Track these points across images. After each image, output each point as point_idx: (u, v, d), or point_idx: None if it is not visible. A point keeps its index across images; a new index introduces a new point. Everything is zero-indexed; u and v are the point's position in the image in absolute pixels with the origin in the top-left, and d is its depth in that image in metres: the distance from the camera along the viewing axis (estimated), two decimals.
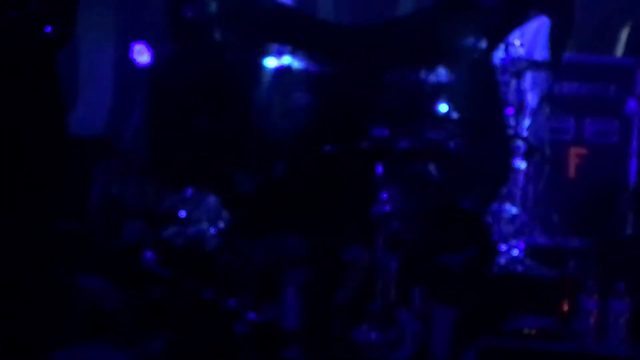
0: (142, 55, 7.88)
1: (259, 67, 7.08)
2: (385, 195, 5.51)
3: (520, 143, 7.09)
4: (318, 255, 5.71)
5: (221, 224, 6.40)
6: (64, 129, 3.15)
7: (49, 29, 2.88)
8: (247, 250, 5.98)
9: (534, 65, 7.22)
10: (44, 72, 3.04)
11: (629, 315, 5.47)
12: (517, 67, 7.13)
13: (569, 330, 5.52)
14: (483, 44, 6.81)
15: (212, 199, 6.58)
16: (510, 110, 7.08)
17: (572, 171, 7.51)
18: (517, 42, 7.13)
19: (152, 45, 7.81)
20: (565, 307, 5.63)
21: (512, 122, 7.09)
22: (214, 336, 5.42)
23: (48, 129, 3.10)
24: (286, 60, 7.05)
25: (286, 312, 5.45)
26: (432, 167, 6.50)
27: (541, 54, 7.16)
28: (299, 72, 7.00)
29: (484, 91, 6.86)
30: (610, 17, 8.10)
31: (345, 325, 5.46)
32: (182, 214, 6.48)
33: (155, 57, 7.74)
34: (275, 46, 7.23)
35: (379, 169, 5.64)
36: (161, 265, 5.79)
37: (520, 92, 7.15)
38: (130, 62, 8.08)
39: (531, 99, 7.24)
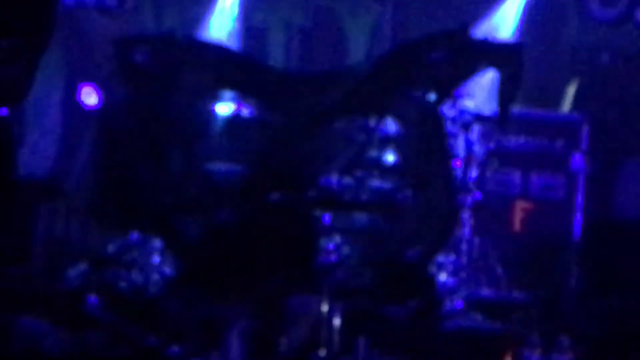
0: (90, 97, 7.87)
1: (208, 113, 7.08)
2: (331, 245, 5.52)
3: (466, 196, 7.13)
4: (263, 304, 5.69)
5: (166, 270, 6.38)
6: (11, 172, 3.13)
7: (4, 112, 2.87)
8: (191, 297, 5.96)
9: (482, 119, 7.25)
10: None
11: None
12: (464, 120, 7.17)
13: None
14: (432, 96, 6.83)
15: (157, 244, 6.56)
16: (457, 163, 7.11)
17: (517, 225, 7.54)
18: (465, 96, 7.18)
19: (100, 87, 7.80)
20: None
21: (459, 174, 7.12)
22: None
23: None
24: (235, 107, 7.06)
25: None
26: (378, 218, 6.50)
27: (489, 107, 7.19)
28: (247, 119, 7.01)
29: (431, 143, 6.88)
30: (559, 73, 8.17)
31: None
32: (127, 257, 6.44)
33: (104, 99, 7.73)
34: (224, 92, 7.23)
35: (326, 218, 5.65)
36: (104, 310, 5.75)
37: (467, 145, 7.19)
38: (77, 104, 8.07)
39: (478, 152, 7.26)
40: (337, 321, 5.66)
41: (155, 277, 6.37)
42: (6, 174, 3.01)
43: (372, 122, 6.80)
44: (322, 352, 5.57)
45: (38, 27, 2.90)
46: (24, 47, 2.82)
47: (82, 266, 6.51)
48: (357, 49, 8.58)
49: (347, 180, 6.39)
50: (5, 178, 3.01)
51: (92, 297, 5.66)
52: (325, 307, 5.64)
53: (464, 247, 7.16)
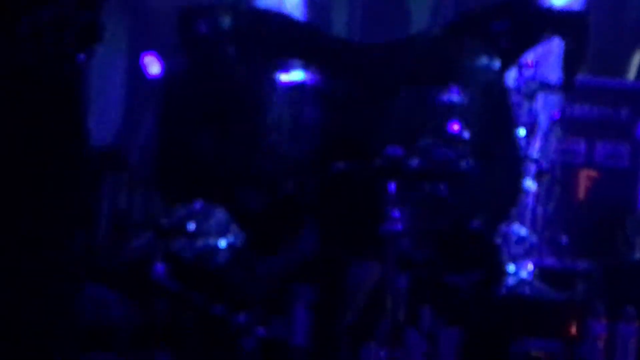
0: (152, 66, 7.90)
1: (271, 82, 7.09)
2: (396, 214, 5.53)
3: (531, 164, 7.11)
4: (328, 273, 5.71)
5: (231, 238, 6.41)
6: (82, 143, 3.15)
7: (82, 57, 2.89)
8: (256, 265, 5.98)
9: (547, 87, 7.23)
10: (67, 92, 3.04)
11: (636, 340, 5.48)
12: (529, 89, 7.16)
13: (576, 354, 5.52)
14: (496, 65, 6.82)
15: (221, 213, 6.58)
16: (521, 132, 7.10)
17: (582, 194, 7.53)
18: (530, 64, 7.16)
19: (163, 57, 7.83)
20: (573, 331, 5.64)
21: (523, 143, 7.11)
22: (222, 352, 5.41)
23: (69, 138, 3.09)
24: (299, 76, 7.07)
25: (295, 328, 5.46)
26: (442, 187, 6.49)
27: (554, 76, 7.16)
28: (311, 89, 7.01)
29: (495, 112, 6.88)
30: (624, 41, 8.13)
31: (354, 344, 5.47)
32: (191, 226, 6.47)
33: (167, 69, 7.76)
34: (287, 62, 7.24)
35: (391, 187, 5.65)
36: (170, 278, 5.79)
37: (532, 114, 7.17)
38: (142, 74, 8.10)
39: (543, 120, 7.24)
40: (401, 290, 5.67)
41: (220, 246, 6.40)
42: (81, 128, 3.04)
43: (436, 91, 6.80)
44: (387, 321, 5.58)
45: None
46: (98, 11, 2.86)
47: (147, 236, 6.55)
48: (420, 19, 8.56)
49: (412, 149, 6.39)
50: (80, 132, 3.04)
51: (159, 266, 5.68)
52: (389, 276, 5.65)
53: (528, 216, 7.15)
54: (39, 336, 2.99)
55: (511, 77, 7.02)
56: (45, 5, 2.67)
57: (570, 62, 6.85)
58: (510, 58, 6.91)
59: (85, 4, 2.77)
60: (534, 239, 7.12)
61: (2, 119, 2.74)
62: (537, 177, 7.15)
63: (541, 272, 6.85)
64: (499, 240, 6.78)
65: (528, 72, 7.20)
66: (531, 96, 7.16)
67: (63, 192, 3.01)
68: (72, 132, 2.99)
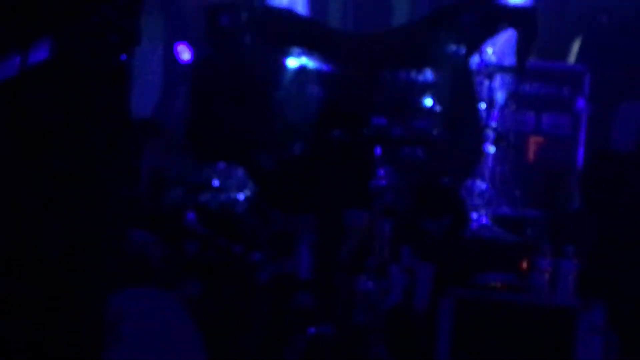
0: (184, 53, 7.91)
1: (280, 66, 7.11)
2: (381, 173, 5.54)
3: (490, 132, 7.16)
4: (326, 219, 5.72)
5: (247, 192, 6.44)
6: (128, 114, 3.14)
7: (133, 48, 2.87)
8: (268, 214, 6.00)
9: (503, 69, 7.28)
10: (116, 77, 3.01)
11: (575, 273, 5.52)
12: (489, 70, 7.22)
13: (526, 285, 5.56)
14: (462, 51, 6.85)
15: (240, 172, 6.60)
16: (482, 105, 7.15)
17: (531, 156, 7.60)
18: (489, 50, 7.20)
19: (192, 45, 7.85)
20: (524, 266, 5.68)
21: (484, 115, 7.17)
22: (240, 284, 5.43)
23: (116, 115, 3.07)
24: (302, 61, 7.08)
25: (300, 265, 5.48)
26: (419, 150, 6.54)
27: (509, 60, 7.20)
28: (312, 71, 7.04)
29: (462, 89, 6.92)
30: (565, 31, 8.14)
31: (347, 277, 5.49)
32: (216, 183, 6.50)
33: (196, 55, 7.78)
34: (293, 49, 7.25)
35: (378, 151, 5.66)
36: (198, 224, 5.81)
37: (491, 91, 7.22)
38: (175, 59, 8.12)
39: (500, 96, 7.30)
40: (385, 234, 5.68)
41: (239, 198, 6.42)
42: (126, 107, 3.03)
43: (413, 73, 6.83)
44: (374, 258, 5.59)
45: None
46: (135, 3, 2.83)
47: (180, 190, 6.57)
48: (401, 15, 8.56)
49: (394, 120, 6.42)
50: (125, 111, 3.03)
51: (190, 215, 5.69)
52: (376, 223, 5.67)
53: (487, 173, 7.19)
54: (94, 273, 2.99)
55: (475, 60, 7.04)
56: (93, 13, 2.67)
57: (522, 48, 6.88)
58: (474, 45, 6.94)
59: (126, 13, 2.76)
60: (492, 192, 7.16)
61: (68, 99, 2.75)
62: (495, 142, 7.20)
63: (498, 219, 6.89)
64: (464, 193, 6.83)
65: (488, 57, 7.23)
66: (490, 76, 7.20)
67: (113, 155, 3.02)
68: (120, 107, 2.99)
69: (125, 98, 3.03)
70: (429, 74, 6.80)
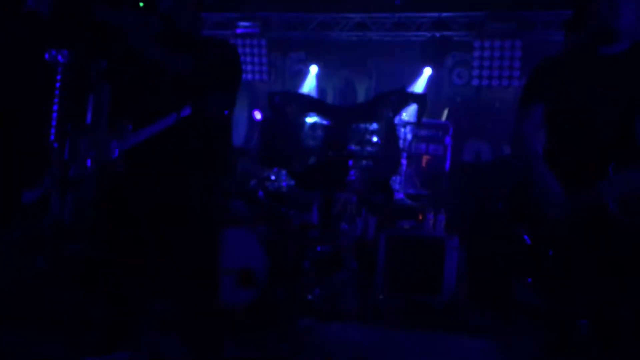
0: (257, 114, 7.86)
1: (304, 121, 7.08)
2: (352, 172, 5.55)
3: (404, 153, 7.12)
4: (325, 195, 5.67)
5: (289, 182, 6.39)
6: (231, 143, 3.08)
7: (231, 109, 2.83)
8: (301, 193, 5.95)
9: (410, 123, 7.24)
10: (225, 124, 2.96)
11: (444, 221, 5.49)
12: (404, 123, 7.17)
13: (421, 227, 5.53)
14: (391, 114, 6.81)
15: (284, 172, 6.57)
16: (400, 139, 7.11)
17: (424, 164, 7.56)
18: (404, 113, 7.16)
19: (262, 111, 7.79)
20: (420, 218, 5.63)
21: (401, 144, 7.10)
22: (285, 225, 5.34)
23: (226, 144, 3.03)
24: (314, 119, 7.05)
25: (313, 216, 5.45)
26: (370, 162, 6.53)
27: (413, 118, 7.17)
28: (319, 124, 7.01)
29: (390, 133, 6.87)
30: (440, 105, 8.08)
31: (336, 222, 5.46)
32: (272, 177, 6.46)
33: (263, 116, 7.73)
34: (309, 113, 7.21)
35: (350, 162, 5.66)
36: (265, 198, 5.76)
37: (404, 133, 7.19)
38: (252, 117, 8.07)
39: (409, 136, 7.26)
40: (353, 202, 5.65)
41: (284, 184, 6.38)
42: (229, 143, 2.98)
43: (367, 124, 6.80)
44: (349, 213, 5.57)
45: (237, 88, 2.85)
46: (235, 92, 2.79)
47: (254, 180, 6.53)
48: (361, 96, 8.52)
49: (357, 147, 6.40)
50: (229, 145, 2.98)
51: (260, 192, 5.66)
52: (349, 197, 5.64)
53: (402, 173, 7.17)
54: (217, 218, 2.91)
55: (397, 119, 7.01)
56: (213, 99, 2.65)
57: (419, 113, 6.85)
58: (396, 112, 6.90)
59: (232, 101, 2.75)
60: (405, 182, 7.14)
61: (202, 135, 2.70)
62: (407, 158, 7.17)
63: (407, 195, 6.87)
64: (391, 183, 6.81)
65: (403, 117, 7.20)
66: (404, 126, 7.16)
67: (225, 164, 2.98)
68: (228, 140, 2.96)
69: (230, 135, 3.01)
70: (375, 125, 6.77)
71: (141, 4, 2.61)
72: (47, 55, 6.99)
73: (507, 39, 7.31)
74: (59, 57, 7.06)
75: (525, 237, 2.43)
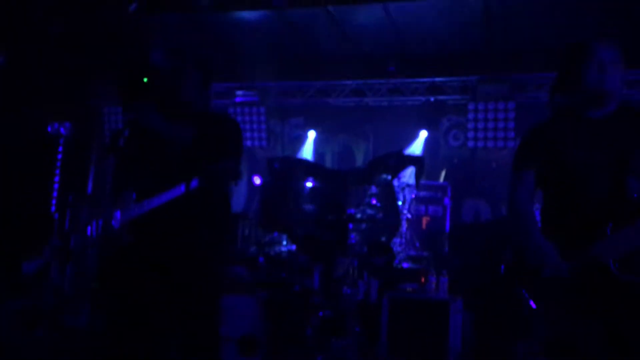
0: (257, 180, 7.92)
1: (303, 185, 7.12)
2: (352, 236, 5.54)
3: (403, 215, 7.12)
4: (327, 259, 5.64)
5: (290, 247, 6.37)
6: (229, 209, 3.12)
7: (237, 180, 2.88)
8: (301, 256, 5.92)
9: (409, 185, 7.26)
10: (224, 191, 3.00)
11: (447, 283, 5.42)
12: (402, 186, 7.20)
13: (424, 289, 5.47)
14: (389, 177, 6.85)
15: (285, 237, 6.56)
16: (399, 203, 7.12)
17: (424, 226, 7.53)
18: (402, 176, 7.21)
19: (261, 176, 7.86)
20: (422, 280, 5.57)
21: (400, 206, 7.12)
22: (286, 291, 5.29)
23: (224, 209, 3.05)
24: (312, 183, 7.10)
25: (314, 281, 5.38)
26: (369, 225, 6.50)
27: (411, 181, 7.20)
28: (318, 187, 7.06)
29: (389, 196, 6.89)
30: (437, 166, 8.15)
31: (338, 286, 5.40)
32: (272, 242, 6.45)
33: (262, 181, 7.78)
34: (308, 177, 7.27)
35: (350, 225, 5.66)
36: (265, 263, 5.74)
37: (403, 195, 7.20)
38: (252, 183, 8.13)
39: (407, 198, 7.28)
40: (354, 266, 5.61)
41: (284, 249, 6.36)
42: (228, 210, 3.01)
43: (366, 187, 6.84)
44: (350, 277, 5.53)
45: (239, 159, 2.91)
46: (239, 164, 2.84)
47: (254, 247, 6.51)
48: (359, 159, 8.60)
49: (357, 210, 6.40)
50: (229, 212, 3.01)
51: (260, 258, 5.64)
52: (351, 260, 5.61)
53: (403, 234, 7.15)
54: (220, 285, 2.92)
55: (395, 182, 7.05)
56: (224, 166, 2.71)
57: (417, 175, 6.88)
58: (394, 174, 6.94)
59: (237, 172, 2.81)
60: (405, 244, 7.11)
61: (208, 201, 2.76)
62: (406, 220, 7.15)
63: (408, 257, 6.83)
64: (392, 245, 6.78)
65: (401, 179, 7.25)
66: (403, 189, 7.19)
67: (226, 228, 3.02)
68: (226, 206, 2.99)
69: (229, 202, 3.04)
70: (373, 188, 6.81)
71: (145, 80, 2.70)
72: (49, 128, 7.14)
73: (501, 100, 7.48)
74: (61, 130, 7.22)
75: (530, 301, 2.43)
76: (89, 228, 2.72)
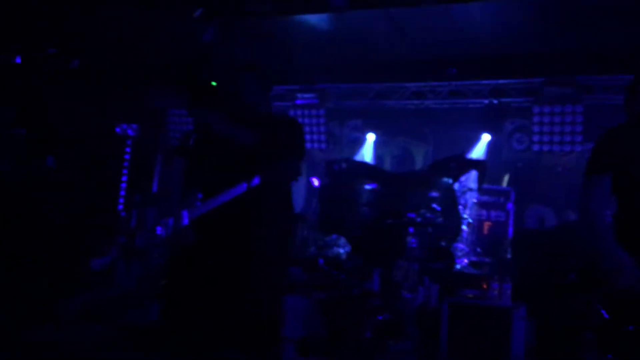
0: (315, 182, 7.97)
1: (362, 188, 7.12)
2: (412, 240, 5.50)
3: (464, 219, 7.01)
4: (386, 263, 5.61)
5: (347, 249, 6.38)
6: (292, 210, 3.15)
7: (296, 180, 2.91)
8: (359, 260, 5.92)
9: (470, 189, 7.15)
10: (287, 192, 3.04)
11: (510, 289, 5.29)
12: (463, 190, 7.10)
13: (486, 296, 5.35)
14: (450, 181, 6.78)
15: (342, 239, 6.58)
16: (460, 206, 7.01)
17: (485, 231, 7.39)
18: (463, 180, 7.10)
19: (319, 178, 7.90)
20: (484, 286, 5.45)
21: (461, 210, 7.01)
22: (345, 294, 5.30)
23: (288, 211, 3.09)
24: (373, 185, 7.09)
25: (373, 284, 5.37)
26: (430, 229, 6.43)
27: (473, 185, 7.09)
28: (377, 190, 7.05)
29: (450, 200, 6.81)
30: (501, 170, 7.95)
31: (397, 290, 5.37)
32: (331, 243, 6.48)
33: (321, 183, 7.82)
34: (367, 180, 7.26)
35: (410, 229, 5.62)
36: (324, 265, 5.75)
37: (464, 199, 7.10)
38: (310, 184, 8.17)
39: (469, 201, 7.16)
40: (414, 270, 5.57)
41: (342, 252, 6.37)
42: (291, 210, 3.04)
43: (426, 191, 6.77)
44: (410, 282, 5.49)
45: (301, 160, 2.93)
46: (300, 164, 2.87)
47: (313, 247, 6.55)
48: (419, 163, 8.51)
49: (417, 214, 6.35)
50: (291, 212, 3.04)
51: (320, 259, 5.67)
52: (411, 264, 5.57)
53: (464, 239, 7.04)
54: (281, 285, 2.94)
55: (456, 185, 6.94)
56: (285, 164, 2.74)
57: (480, 179, 6.78)
58: (456, 178, 6.86)
59: (298, 172, 2.84)
60: (466, 249, 6.99)
61: (271, 200, 2.79)
62: (467, 225, 7.04)
63: (470, 263, 6.71)
64: (453, 250, 6.68)
65: (462, 183, 7.14)
66: (464, 193, 7.08)
67: (289, 227, 3.04)
68: (289, 207, 3.03)
69: (291, 202, 3.07)
70: (434, 192, 6.74)
71: (213, 83, 2.78)
72: (117, 129, 7.42)
73: (568, 103, 7.25)
74: (129, 131, 7.48)
75: (602, 310, 2.34)
76: (159, 227, 2.81)
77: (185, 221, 2.79)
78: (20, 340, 3.96)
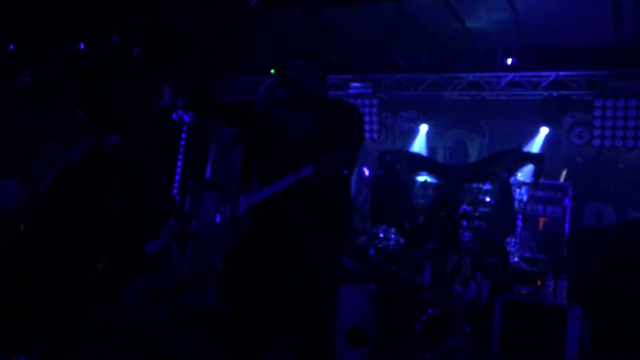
0: (366, 172, 7.96)
1: (414, 180, 7.08)
2: (465, 234, 5.41)
3: (519, 214, 6.86)
4: (440, 254, 5.56)
5: (397, 240, 6.35)
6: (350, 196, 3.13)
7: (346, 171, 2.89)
8: (409, 249, 5.88)
9: (526, 183, 6.98)
10: (344, 182, 3.02)
11: (565, 288, 5.17)
12: (519, 184, 6.93)
13: (540, 293, 5.25)
14: (505, 174, 6.66)
15: (393, 230, 6.54)
16: (515, 200, 6.87)
17: (540, 227, 7.20)
18: (519, 174, 6.94)
19: (369, 168, 7.88)
20: (539, 283, 5.35)
21: (516, 205, 6.86)
22: (395, 286, 5.29)
23: (346, 201, 3.07)
24: (424, 177, 7.03)
25: (425, 278, 5.32)
26: (483, 223, 6.32)
27: (529, 179, 6.92)
28: (429, 183, 6.99)
29: (505, 193, 6.70)
30: (559, 165, 7.70)
31: (449, 284, 5.30)
32: (381, 235, 6.44)
33: (371, 173, 7.81)
34: (420, 172, 7.20)
35: (464, 223, 5.53)
36: (375, 255, 5.75)
37: (519, 194, 6.94)
38: (362, 173, 8.16)
39: (524, 197, 6.99)
40: (466, 264, 5.49)
41: (392, 243, 6.34)
42: (348, 201, 3.02)
43: (480, 184, 6.67)
44: (462, 276, 5.42)
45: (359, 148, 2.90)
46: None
47: (363, 237, 6.55)
48: (473, 155, 8.35)
49: (470, 207, 6.27)
50: (348, 203, 3.02)
51: (371, 250, 5.66)
52: (463, 258, 5.49)
53: (518, 235, 6.88)
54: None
55: (512, 179, 6.80)
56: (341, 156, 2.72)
57: (536, 174, 6.63)
58: (512, 172, 6.73)
59: (354, 160, 2.82)
60: (520, 245, 6.85)
61: (322, 190, 2.78)
62: (522, 220, 6.88)
63: (524, 259, 6.58)
64: (506, 245, 6.56)
65: (518, 177, 6.98)
66: (520, 187, 6.92)
67: (345, 216, 3.01)
68: (346, 197, 3.01)
69: (349, 193, 3.05)
70: (488, 185, 6.63)
71: (272, 71, 2.78)
72: (174, 116, 7.57)
73: (632, 98, 6.98)
74: (185, 117, 7.63)
75: None
76: (218, 214, 2.85)
77: (242, 208, 2.82)
78: (84, 322, 4.09)
